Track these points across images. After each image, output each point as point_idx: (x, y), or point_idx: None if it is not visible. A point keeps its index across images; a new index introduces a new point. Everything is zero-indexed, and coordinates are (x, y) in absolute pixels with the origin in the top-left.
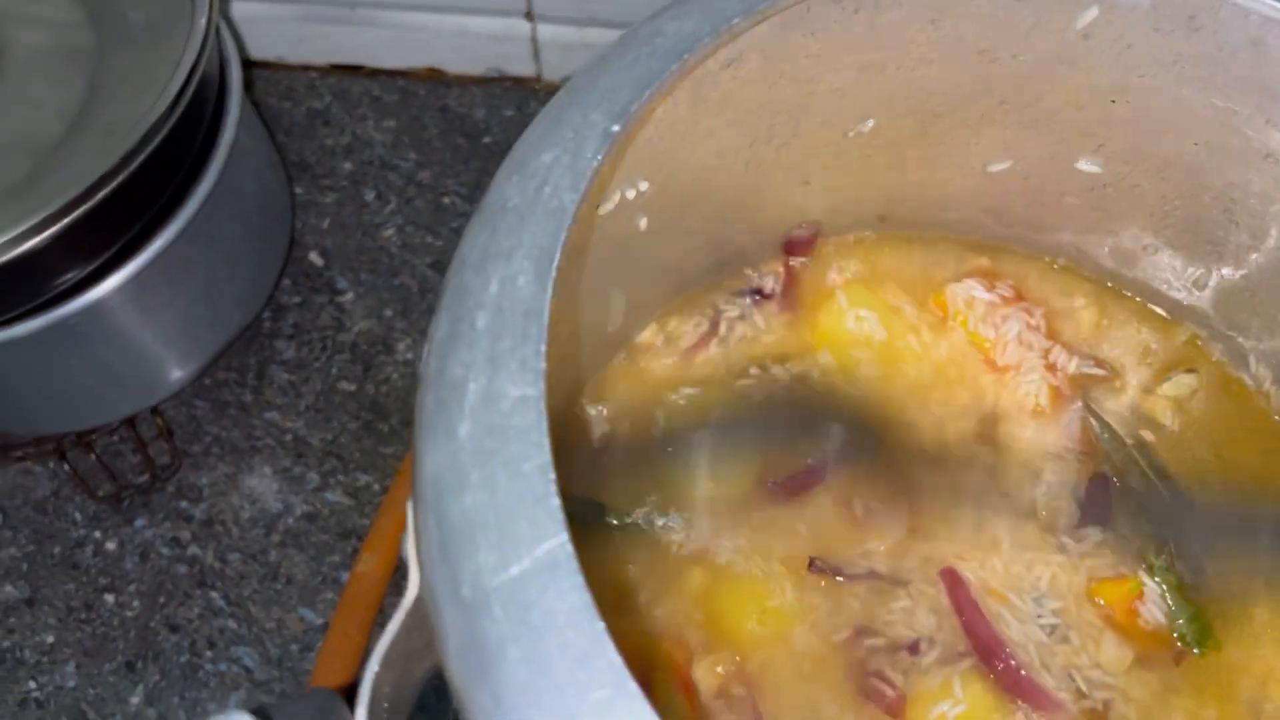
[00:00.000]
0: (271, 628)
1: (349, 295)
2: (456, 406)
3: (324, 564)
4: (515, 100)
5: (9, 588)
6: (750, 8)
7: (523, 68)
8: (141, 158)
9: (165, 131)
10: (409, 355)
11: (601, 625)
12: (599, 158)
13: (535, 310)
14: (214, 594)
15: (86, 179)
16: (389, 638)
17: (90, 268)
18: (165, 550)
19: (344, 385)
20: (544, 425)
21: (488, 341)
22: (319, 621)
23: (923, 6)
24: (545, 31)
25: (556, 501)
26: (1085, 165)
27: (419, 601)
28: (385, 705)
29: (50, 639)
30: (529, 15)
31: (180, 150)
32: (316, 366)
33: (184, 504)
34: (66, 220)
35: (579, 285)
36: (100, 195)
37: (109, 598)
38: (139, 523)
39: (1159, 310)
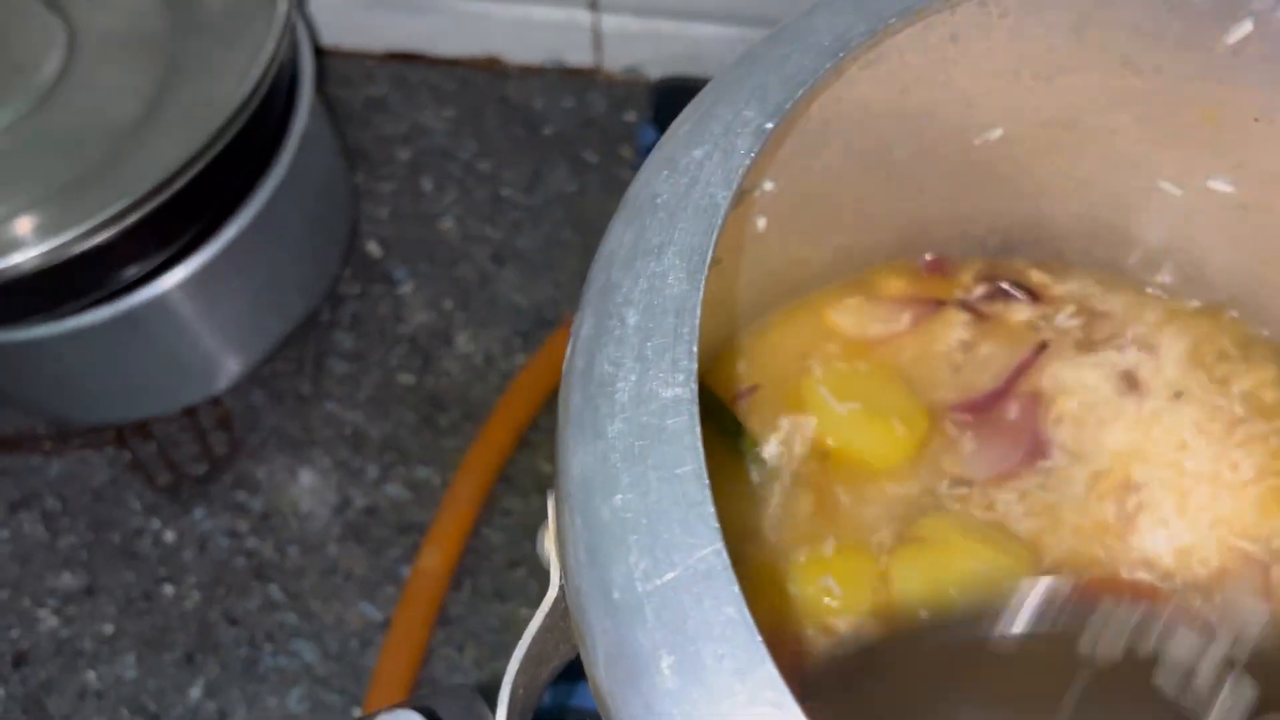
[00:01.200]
0: (331, 622)
1: (408, 286)
2: (605, 405)
3: (384, 558)
4: (574, 91)
5: (68, 576)
6: (908, 7)
7: (582, 58)
8: (222, 144)
9: (246, 118)
10: (468, 348)
11: (759, 638)
12: (752, 155)
13: (687, 309)
14: (273, 587)
15: (167, 166)
16: (528, 638)
17: (162, 257)
18: (224, 541)
19: (403, 377)
20: (697, 429)
21: (637, 340)
22: (380, 617)
23: (1067, 13)
24: (608, 22)
25: (711, 509)
26: (1218, 184)
27: (556, 602)
28: (518, 711)
29: (110, 629)
30: (592, 5)
31: (254, 138)
32: (375, 358)
33: (242, 495)
34: (145, 209)
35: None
36: (180, 182)
37: (168, 588)
38: (197, 513)
39: None
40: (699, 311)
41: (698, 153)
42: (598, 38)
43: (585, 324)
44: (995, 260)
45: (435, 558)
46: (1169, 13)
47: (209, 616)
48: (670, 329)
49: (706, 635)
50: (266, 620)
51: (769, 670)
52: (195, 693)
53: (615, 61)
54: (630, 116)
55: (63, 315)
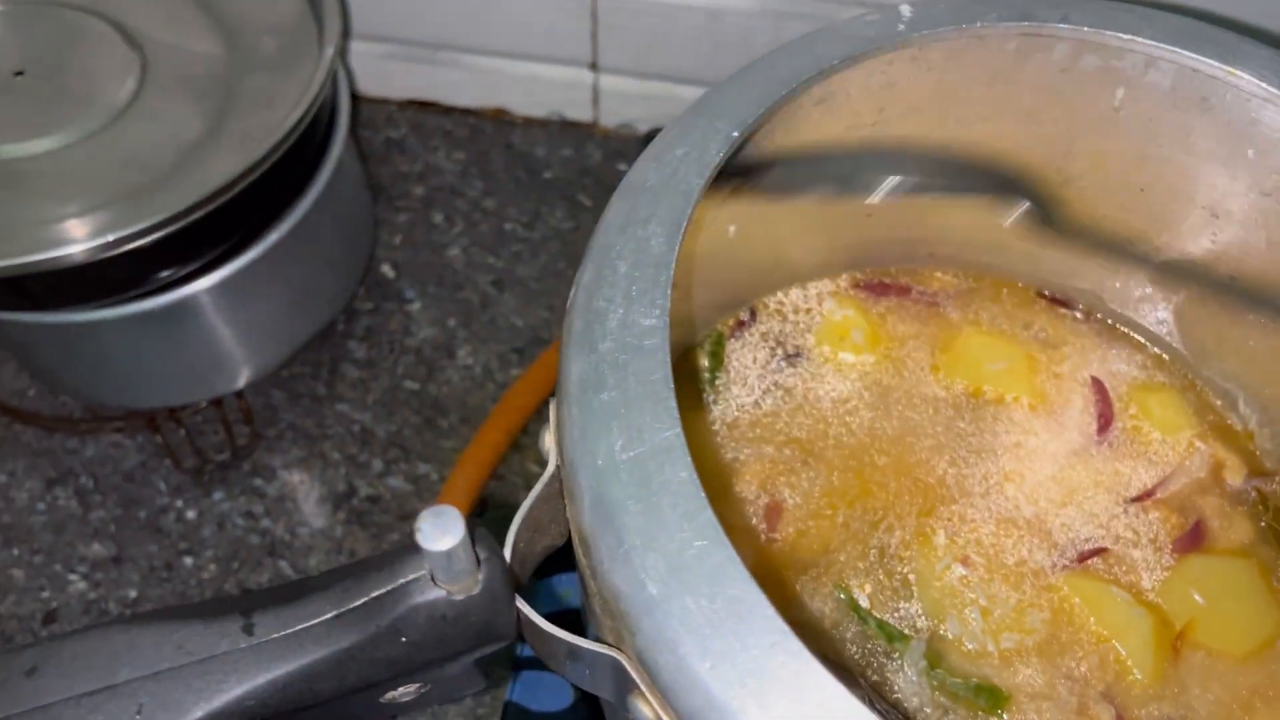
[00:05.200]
0: None
1: (416, 305)
2: (599, 328)
3: (385, 541)
4: (573, 142)
5: (98, 546)
6: (847, 54)
7: (582, 113)
8: (269, 164)
9: (294, 140)
10: (469, 361)
11: (703, 494)
12: (720, 155)
13: (664, 264)
14: (283, 563)
15: (225, 175)
16: (530, 501)
17: (206, 259)
18: (240, 521)
19: (408, 384)
20: (666, 348)
21: (625, 284)
22: None
23: (980, 71)
24: (606, 82)
25: (673, 403)
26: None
27: (551, 479)
28: (519, 559)
29: (133, 594)
30: (593, 66)
31: (297, 160)
32: (384, 366)
33: (259, 481)
34: (193, 217)
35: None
36: (235, 190)
37: (188, 560)
38: (217, 495)
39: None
40: (673, 266)
41: (679, 151)
42: (596, 96)
43: (587, 272)
44: None
45: None
46: (1062, 75)
47: (224, 586)
48: (651, 277)
49: (665, 490)
50: None
51: (709, 515)
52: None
53: (611, 117)
54: (623, 166)
55: (109, 305)
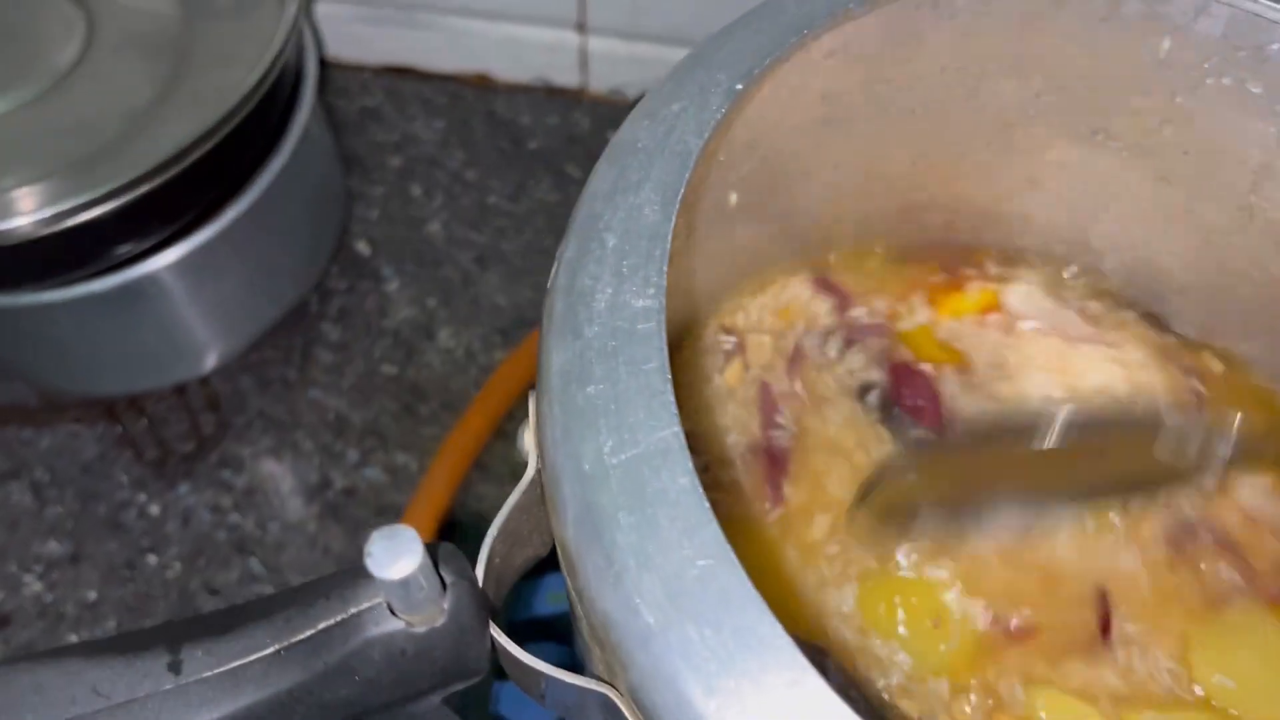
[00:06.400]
0: None
1: (394, 284)
2: (584, 311)
3: (360, 537)
4: (560, 109)
5: (54, 544)
6: None
7: (569, 78)
8: (227, 129)
9: (254, 103)
10: (450, 343)
11: (707, 504)
12: (723, 110)
13: (660, 235)
14: (253, 560)
15: (177, 143)
16: (506, 511)
17: (164, 234)
18: (207, 516)
19: (386, 368)
20: (663, 333)
21: (615, 259)
22: None
23: (1012, 19)
24: (595, 44)
25: (672, 397)
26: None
27: (531, 483)
28: (494, 578)
29: (93, 595)
30: (581, 27)
31: (258, 127)
32: (360, 349)
33: (227, 473)
34: (146, 187)
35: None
36: (190, 158)
37: (151, 558)
38: (182, 488)
39: None
40: (670, 238)
41: (675, 106)
42: (584, 59)
43: (570, 247)
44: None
45: None
46: (1100, 24)
47: (190, 586)
48: (644, 251)
49: (661, 500)
50: (246, 591)
51: (713, 530)
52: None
53: (600, 82)
54: (612, 135)
55: (61, 285)
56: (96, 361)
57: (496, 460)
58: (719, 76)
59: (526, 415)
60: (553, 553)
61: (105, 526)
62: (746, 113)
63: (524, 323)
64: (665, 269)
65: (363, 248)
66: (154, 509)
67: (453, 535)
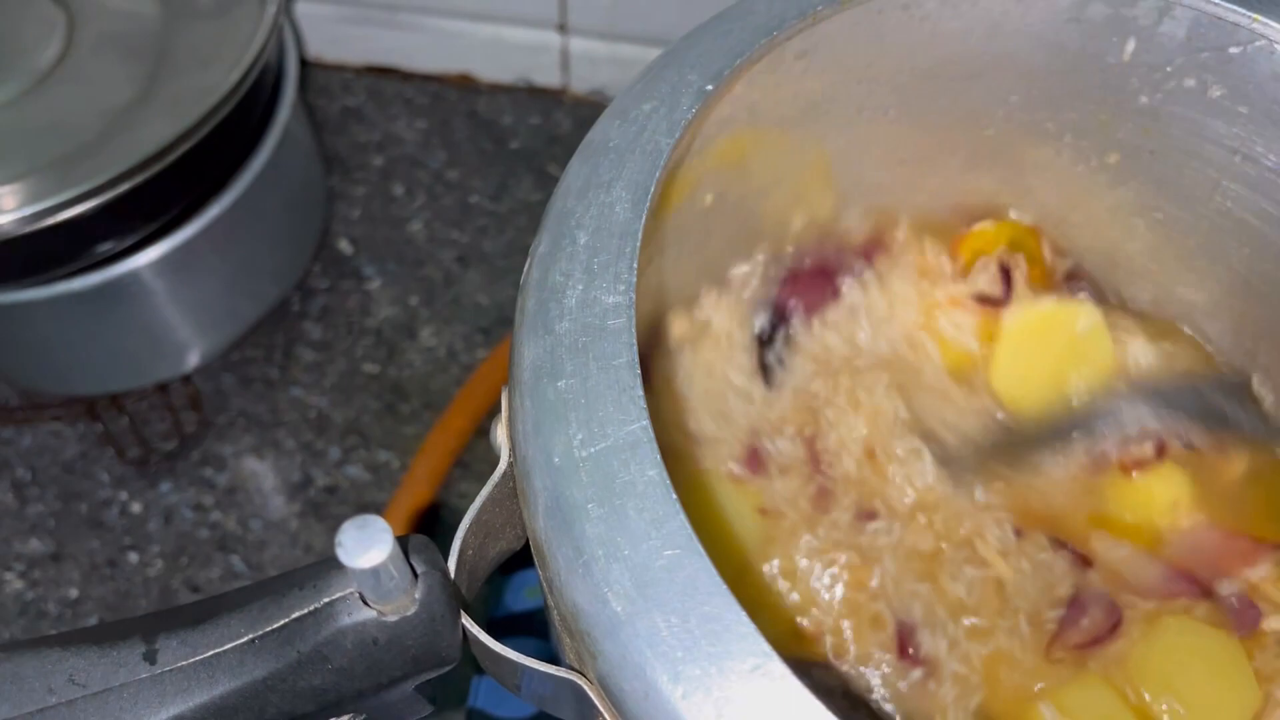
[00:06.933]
0: None
1: (376, 283)
2: (556, 307)
3: None
4: (541, 109)
5: (35, 542)
6: None
7: (550, 79)
8: (208, 128)
9: (235, 103)
10: (432, 342)
11: (674, 496)
12: (693, 111)
13: (630, 233)
14: (234, 558)
15: (158, 141)
16: (479, 503)
17: (145, 232)
18: (188, 514)
19: (368, 367)
20: (633, 329)
21: (586, 256)
22: None
23: (980, 20)
24: (576, 45)
25: (641, 392)
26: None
27: (504, 476)
28: (466, 569)
29: (74, 593)
30: (562, 28)
31: (239, 126)
32: (342, 348)
33: (208, 471)
34: (127, 185)
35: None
36: (171, 157)
37: (132, 556)
38: (164, 487)
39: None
40: (640, 235)
41: (646, 106)
42: (566, 60)
43: (542, 243)
44: None
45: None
46: (1070, 23)
47: (171, 584)
48: (615, 248)
49: (630, 492)
50: (228, 589)
51: (680, 521)
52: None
53: (581, 83)
54: None
55: (41, 283)
56: (77, 360)
57: (478, 458)
58: (690, 77)
59: (493, 420)
60: (527, 547)
61: (87, 525)
62: (718, 113)
63: (505, 322)
64: (636, 266)
65: (344, 247)
66: (135, 507)
67: (434, 531)
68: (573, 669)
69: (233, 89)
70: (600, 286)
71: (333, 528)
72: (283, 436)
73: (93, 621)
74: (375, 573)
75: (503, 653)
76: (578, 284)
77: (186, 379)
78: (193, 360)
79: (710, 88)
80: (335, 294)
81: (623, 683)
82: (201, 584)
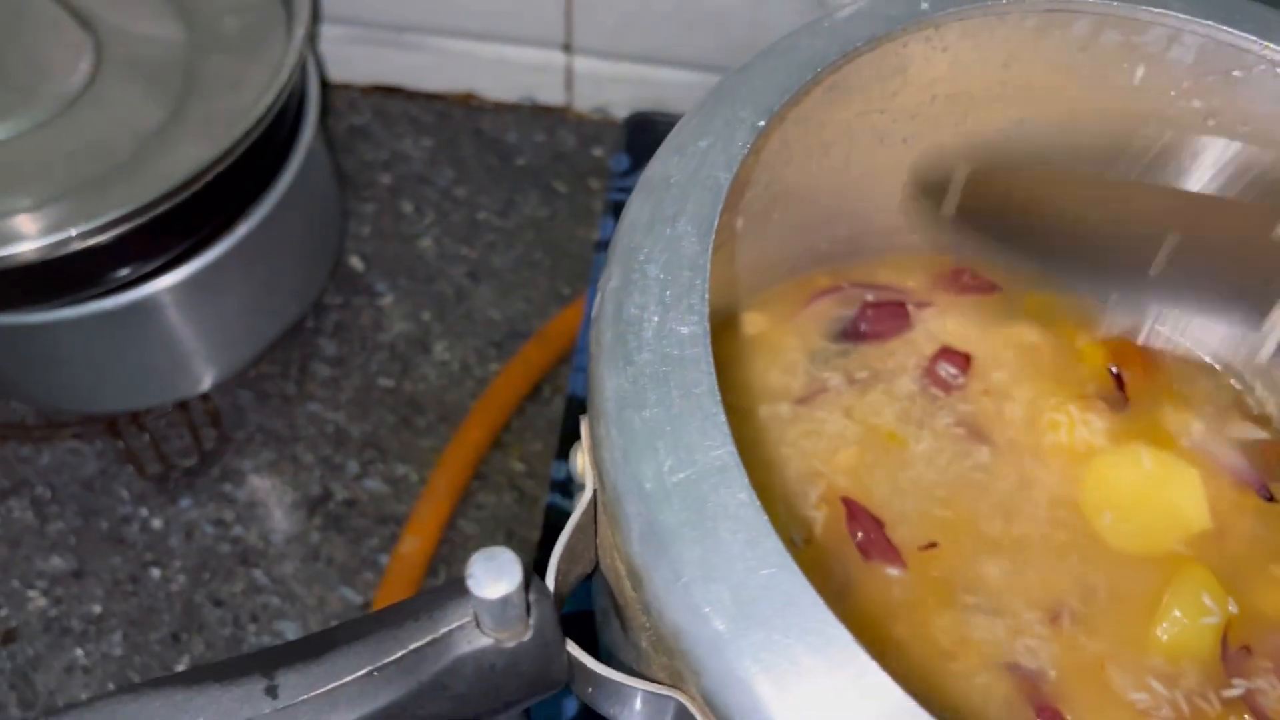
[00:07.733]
0: (313, 604)
1: (388, 299)
2: (634, 339)
3: (363, 547)
4: (546, 127)
5: (56, 559)
6: (870, 35)
7: (554, 97)
8: (237, 154)
9: (262, 130)
10: (445, 356)
11: (765, 517)
12: (748, 145)
13: (699, 265)
14: (256, 572)
15: (192, 164)
16: (568, 530)
17: (173, 253)
18: (209, 529)
19: (383, 381)
20: (710, 357)
21: (658, 289)
22: (359, 600)
23: (995, 52)
24: (580, 64)
25: (724, 419)
26: None
27: (590, 502)
28: (559, 594)
29: (97, 609)
30: (567, 47)
31: (267, 148)
32: (357, 363)
33: (228, 487)
34: (154, 212)
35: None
36: (204, 180)
37: (154, 572)
38: (184, 502)
39: None
40: (709, 268)
41: (703, 143)
42: (570, 78)
43: (613, 278)
44: None
45: (415, 544)
46: (1080, 53)
47: (194, 599)
48: (685, 280)
49: (722, 515)
50: (250, 602)
51: (774, 542)
52: (181, 669)
53: (585, 101)
54: (598, 152)
55: (65, 305)
56: (98, 379)
57: (495, 470)
58: (743, 113)
59: (523, 427)
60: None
61: (108, 541)
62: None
63: (517, 335)
64: (707, 297)
65: (356, 263)
66: (156, 523)
67: (456, 544)
68: (670, 686)
69: (265, 112)
70: (675, 318)
71: (352, 540)
72: (301, 451)
73: (118, 637)
74: (503, 602)
75: (609, 675)
76: (653, 316)
77: (205, 396)
78: (211, 378)
79: (762, 123)
80: (348, 310)
81: (729, 698)
82: (224, 598)
